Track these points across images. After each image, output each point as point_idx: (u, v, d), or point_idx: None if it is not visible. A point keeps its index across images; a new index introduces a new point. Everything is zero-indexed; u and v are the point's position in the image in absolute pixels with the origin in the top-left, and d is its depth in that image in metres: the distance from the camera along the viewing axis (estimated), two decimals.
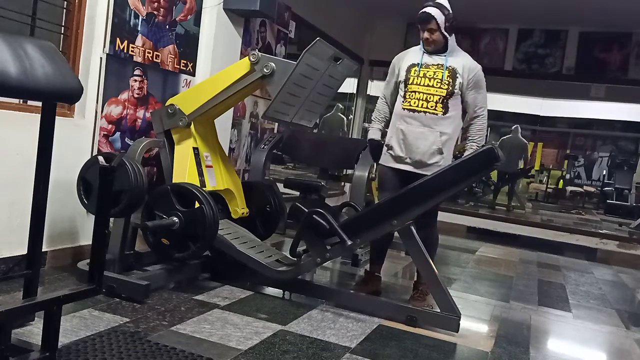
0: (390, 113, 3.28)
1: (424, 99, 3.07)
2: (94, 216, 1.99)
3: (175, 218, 2.83)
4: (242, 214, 3.44)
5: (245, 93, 3.36)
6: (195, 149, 3.19)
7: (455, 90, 3.06)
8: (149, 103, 3.58)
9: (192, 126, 3.19)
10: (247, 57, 3.06)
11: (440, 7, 3.03)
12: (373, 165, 4.17)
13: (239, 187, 3.49)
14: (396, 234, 3.09)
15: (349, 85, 8.05)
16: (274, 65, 3.00)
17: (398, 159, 3.16)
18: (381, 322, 2.89)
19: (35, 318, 2.16)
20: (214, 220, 2.84)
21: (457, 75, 3.07)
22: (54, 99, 1.87)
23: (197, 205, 2.84)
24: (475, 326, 3.17)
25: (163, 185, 3.02)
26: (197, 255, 3.00)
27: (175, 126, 3.19)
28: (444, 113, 3.07)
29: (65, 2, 3.09)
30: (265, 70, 3.00)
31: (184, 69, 3.84)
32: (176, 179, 3.10)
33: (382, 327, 2.83)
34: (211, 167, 3.29)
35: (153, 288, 2.83)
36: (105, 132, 3.31)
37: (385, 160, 3.24)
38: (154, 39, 3.53)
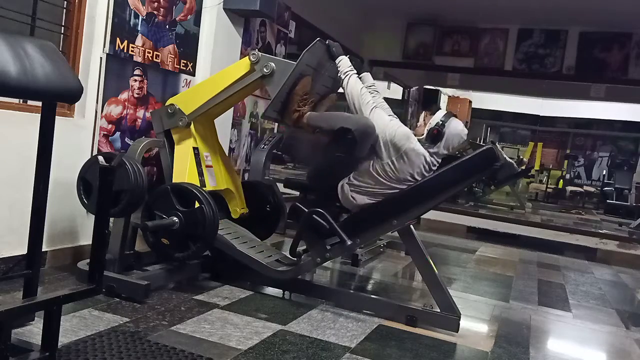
0: None
1: None
2: (94, 216, 1.99)
3: (175, 218, 2.84)
4: (242, 213, 3.44)
5: (245, 93, 3.36)
6: (195, 149, 3.19)
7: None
8: (149, 103, 3.58)
9: (192, 126, 3.19)
10: (247, 56, 3.06)
11: None
12: None
13: (238, 187, 3.49)
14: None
15: None
16: (273, 65, 3.00)
17: None
18: (381, 322, 2.89)
19: (35, 318, 2.16)
20: (214, 220, 2.85)
21: None
22: (54, 99, 1.87)
23: (197, 205, 2.85)
24: (475, 326, 3.17)
25: (163, 185, 3.02)
26: (197, 255, 3.00)
27: (175, 126, 3.19)
28: None
29: (65, 2, 3.09)
30: (265, 70, 3.00)
31: (184, 68, 3.84)
32: (176, 178, 3.10)
33: (382, 327, 2.83)
34: (211, 167, 3.29)
35: (153, 288, 2.82)
36: (105, 132, 3.31)
37: None
38: (154, 39, 3.53)
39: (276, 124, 5.51)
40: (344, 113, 3.08)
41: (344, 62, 3.08)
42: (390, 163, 2.88)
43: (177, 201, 2.86)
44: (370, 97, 3.01)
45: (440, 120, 2.96)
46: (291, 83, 3.00)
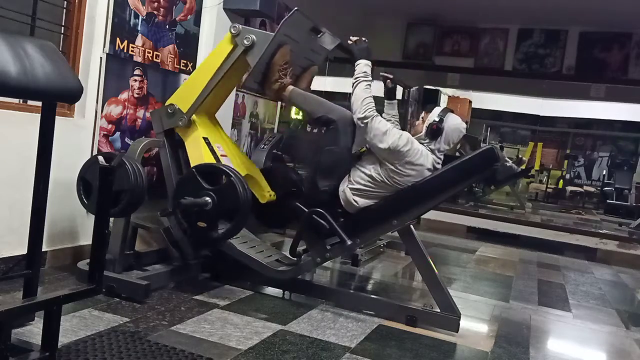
0: None
1: None
2: (94, 216, 1.99)
3: (207, 198, 2.77)
4: (270, 197, 3.31)
5: (236, 74, 3.24)
6: (206, 139, 3.13)
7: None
8: (149, 103, 3.58)
9: (195, 122, 3.15)
10: (229, 30, 3.03)
11: None
12: None
13: (258, 172, 3.38)
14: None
15: (349, 85, 8.04)
16: (254, 37, 2.98)
17: None
18: (381, 322, 2.90)
19: (35, 318, 2.16)
20: (246, 191, 2.77)
21: None
22: (54, 99, 1.87)
23: (224, 180, 2.78)
24: (475, 326, 3.17)
25: (189, 169, 2.97)
26: (237, 230, 2.90)
27: (175, 125, 3.18)
28: None
29: (65, 2, 3.09)
30: (245, 42, 2.97)
31: (184, 68, 3.84)
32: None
33: (382, 327, 2.84)
34: (226, 156, 3.21)
35: (153, 288, 2.83)
36: (105, 132, 3.31)
37: None
38: (154, 39, 3.53)
39: (276, 123, 5.51)
40: (326, 101, 3.08)
41: (359, 67, 2.99)
42: (395, 169, 2.88)
43: (205, 181, 2.80)
44: (372, 108, 2.90)
45: (438, 116, 2.99)
46: (270, 53, 2.97)
